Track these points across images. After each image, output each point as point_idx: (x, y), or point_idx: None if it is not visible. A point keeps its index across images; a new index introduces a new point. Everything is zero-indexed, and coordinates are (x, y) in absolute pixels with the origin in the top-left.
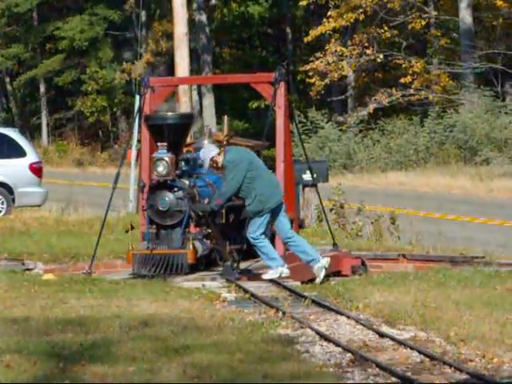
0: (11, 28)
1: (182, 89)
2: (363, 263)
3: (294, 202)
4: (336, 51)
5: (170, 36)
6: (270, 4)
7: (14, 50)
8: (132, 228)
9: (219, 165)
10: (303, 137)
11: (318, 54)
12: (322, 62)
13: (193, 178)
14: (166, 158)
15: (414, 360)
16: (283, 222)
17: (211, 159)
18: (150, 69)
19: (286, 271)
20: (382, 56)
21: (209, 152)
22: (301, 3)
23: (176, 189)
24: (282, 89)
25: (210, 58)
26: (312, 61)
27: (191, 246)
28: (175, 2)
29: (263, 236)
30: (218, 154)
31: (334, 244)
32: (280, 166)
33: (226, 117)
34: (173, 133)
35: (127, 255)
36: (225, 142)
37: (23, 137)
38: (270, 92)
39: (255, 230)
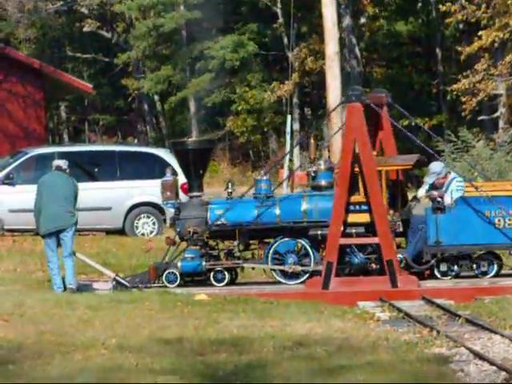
0: (160, 47)
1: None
2: None
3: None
4: (485, 70)
5: (318, 55)
6: (420, 23)
7: (163, 73)
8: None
9: None
10: (454, 156)
11: (467, 73)
12: (472, 81)
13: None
14: (161, 184)
15: None
16: (61, 244)
17: None
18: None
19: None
20: None
21: None
22: (447, 20)
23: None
24: (348, 110)
25: (359, 77)
26: (460, 80)
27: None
28: (326, 22)
29: (51, 264)
30: None
31: None
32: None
33: (311, 139)
34: (189, 158)
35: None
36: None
37: (174, 157)
38: None
39: (46, 256)
